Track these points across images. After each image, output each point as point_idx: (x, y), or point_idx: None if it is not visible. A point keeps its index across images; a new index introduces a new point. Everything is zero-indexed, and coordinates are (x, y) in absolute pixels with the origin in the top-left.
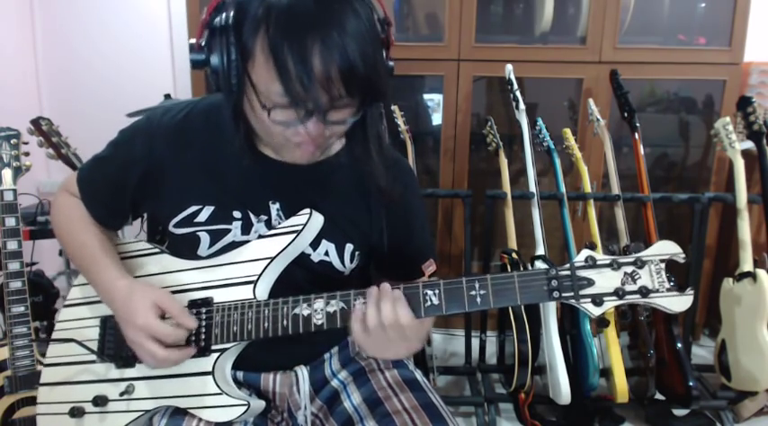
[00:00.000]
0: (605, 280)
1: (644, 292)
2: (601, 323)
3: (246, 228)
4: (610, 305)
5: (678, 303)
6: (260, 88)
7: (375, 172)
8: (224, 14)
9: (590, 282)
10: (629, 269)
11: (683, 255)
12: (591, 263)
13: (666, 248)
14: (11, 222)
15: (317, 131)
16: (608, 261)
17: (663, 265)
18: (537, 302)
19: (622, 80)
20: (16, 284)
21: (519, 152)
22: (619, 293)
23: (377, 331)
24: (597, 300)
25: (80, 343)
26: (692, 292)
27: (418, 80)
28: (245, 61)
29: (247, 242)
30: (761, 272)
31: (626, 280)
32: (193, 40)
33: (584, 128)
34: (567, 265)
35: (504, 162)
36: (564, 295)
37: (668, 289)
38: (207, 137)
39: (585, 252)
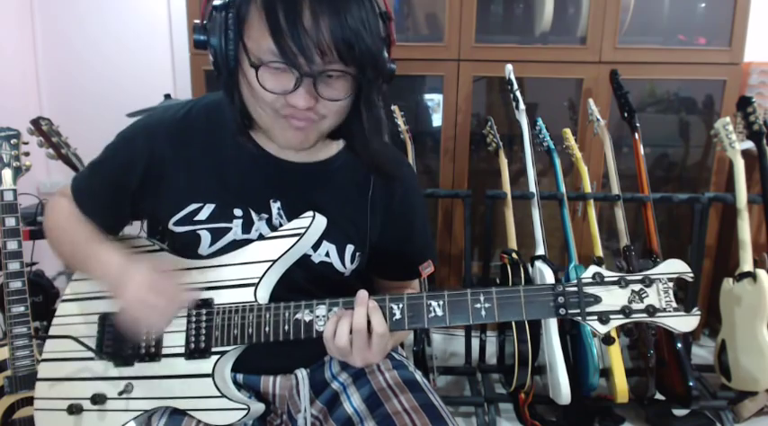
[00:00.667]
0: (612, 298)
1: (651, 311)
2: (606, 340)
3: (247, 227)
4: (616, 323)
5: (684, 323)
6: (253, 50)
7: (376, 158)
8: None
9: (597, 299)
10: (637, 287)
11: (692, 274)
12: (598, 280)
13: (675, 266)
14: (11, 222)
15: (307, 102)
16: (616, 279)
17: (671, 284)
18: (543, 318)
19: (622, 80)
20: (16, 284)
21: (519, 152)
22: (625, 311)
23: (344, 337)
24: (604, 318)
25: (78, 340)
26: (698, 313)
27: (418, 80)
28: (241, 28)
29: (248, 240)
30: (761, 272)
31: (633, 298)
32: (197, 20)
33: (584, 128)
34: (575, 281)
35: (504, 162)
36: (570, 312)
37: (675, 309)
38: (208, 135)
39: (593, 269)
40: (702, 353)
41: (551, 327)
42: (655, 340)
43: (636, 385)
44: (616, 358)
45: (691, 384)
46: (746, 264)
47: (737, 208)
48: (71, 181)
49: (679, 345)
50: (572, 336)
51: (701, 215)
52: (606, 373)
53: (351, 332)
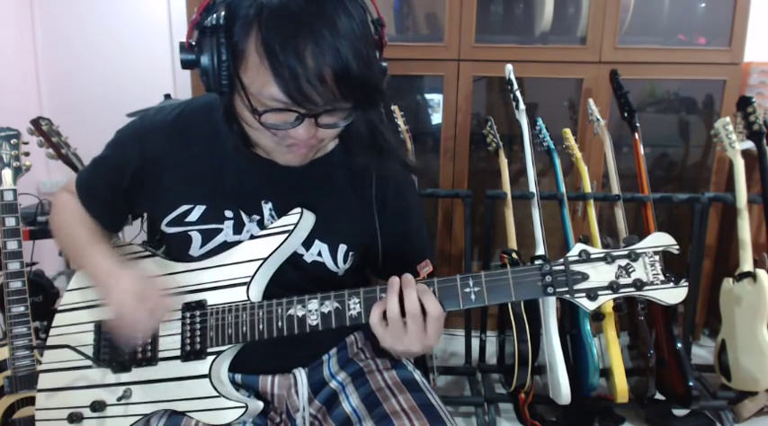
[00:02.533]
0: (599, 274)
1: (638, 285)
2: (596, 316)
3: (238, 228)
4: (604, 299)
5: (673, 295)
6: (251, 90)
7: (372, 164)
8: (214, 14)
9: (584, 276)
10: (623, 262)
11: (677, 246)
12: (585, 257)
13: (660, 240)
14: (11, 222)
15: (308, 134)
16: (602, 255)
17: (657, 257)
18: (531, 298)
19: (622, 80)
20: (16, 284)
21: (519, 152)
22: (613, 287)
23: (396, 320)
24: (592, 294)
25: (75, 349)
26: (686, 284)
27: (418, 80)
28: (237, 62)
29: (239, 242)
30: (761, 272)
31: (620, 274)
32: (183, 40)
33: (584, 128)
34: (561, 260)
35: (504, 162)
36: (558, 290)
37: (663, 281)
38: (200, 136)
39: (579, 246)
40: (702, 353)
41: (551, 327)
42: (655, 339)
43: (636, 385)
44: (616, 358)
45: (691, 384)
46: (746, 264)
47: (737, 208)
48: (77, 176)
49: (679, 345)
50: (572, 336)
51: (700, 215)
52: (606, 373)
53: (404, 315)
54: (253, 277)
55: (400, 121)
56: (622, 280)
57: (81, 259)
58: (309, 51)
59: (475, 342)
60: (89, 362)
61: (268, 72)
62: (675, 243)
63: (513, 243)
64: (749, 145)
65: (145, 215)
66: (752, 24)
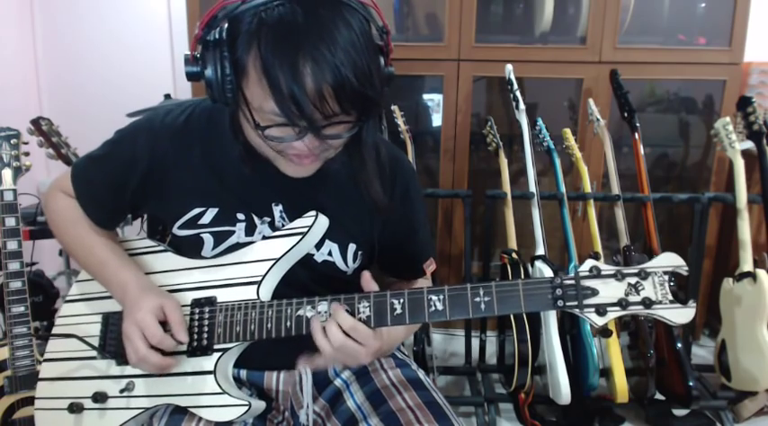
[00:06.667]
0: (609, 290)
1: (647, 303)
2: (603, 333)
3: (250, 230)
4: (613, 315)
5: (680, 315)
6: (254, 105)
7: (369, 185)
8: (217, 28)
9: (594, 292)
10: (633, 280)
11: (686, 268)
12: (595, 273)
13: (670, 260)
14: (11, 222)
15: (312, 146)
16: (612, 272)
17: (666, 277)
18: (541, 310)
19: (622, 80)
20: (16, 284)
21: (519, 152)
22: (622, 304)
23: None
24: (601, 310)
25: (81, 339)
26: (694, 305)
27: (418, 80)
28: (239, 77)
29: (251, 243)
30: (761, 272)
31: (630, 291)
32: (188, 53)
33: (584, 128)
34: (572, 274)
35: (504, 162)
36: (568, 304)
37: (671, 301)
38: (209, 139)
39: (590, 262)
40: (702, 353)
41: (551, 327)
42: (655, 340)
43: (636, 385)
44: (616, 358)
45: (691, 384)
46: (746, 264)
47: (737, 208)
48: (71, 171)
49: (679, 345)
50: (572, 336)
51: (700, 215)
52: (606, 373)
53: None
54: (264, 276)
55: (400, 121)
56: (631, 298)
57: (101, 275)
58: (308, 69)
59: (475, 342)
60: (94, 353)
61: (267, 90)
62: (685, 264)
63: (513, 243)
64: (749, 145)
65: (145, 215)
66: (752, 24)
